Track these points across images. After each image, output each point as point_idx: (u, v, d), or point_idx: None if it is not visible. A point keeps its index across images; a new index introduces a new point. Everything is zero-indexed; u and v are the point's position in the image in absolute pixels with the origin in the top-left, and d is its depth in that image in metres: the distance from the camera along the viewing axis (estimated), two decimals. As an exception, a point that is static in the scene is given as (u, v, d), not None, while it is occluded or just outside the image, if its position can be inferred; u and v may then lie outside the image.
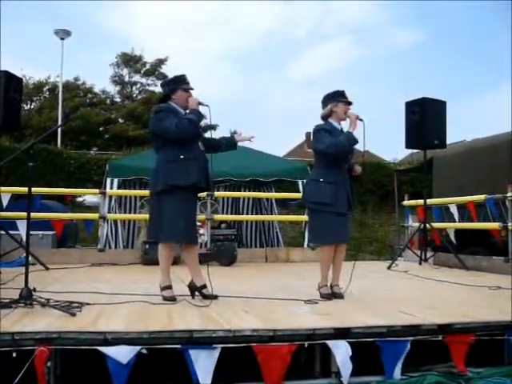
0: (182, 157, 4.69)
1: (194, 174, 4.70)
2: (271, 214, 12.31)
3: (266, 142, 57.94)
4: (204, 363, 3.44)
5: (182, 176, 4.65)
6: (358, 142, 4.96)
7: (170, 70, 30.72)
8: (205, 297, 4.76)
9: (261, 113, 65.04)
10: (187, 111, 4.83)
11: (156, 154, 4.89)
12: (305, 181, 9.75)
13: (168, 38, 59.52)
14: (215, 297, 4.77)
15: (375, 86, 70.26)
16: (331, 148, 4.87)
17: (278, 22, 63.98)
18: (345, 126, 5.08)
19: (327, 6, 64.72)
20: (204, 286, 4.83)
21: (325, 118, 5.13)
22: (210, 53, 61.19)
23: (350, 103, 5.10)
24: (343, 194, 4.98)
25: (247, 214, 12.49)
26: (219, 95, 55.85)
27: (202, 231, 9.00)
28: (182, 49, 59.40)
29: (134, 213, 11.06)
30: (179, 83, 4.91)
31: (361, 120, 4.99)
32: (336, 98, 5.08)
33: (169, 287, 4.82)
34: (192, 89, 4.95)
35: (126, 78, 33.75)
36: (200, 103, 4.81)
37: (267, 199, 12.40)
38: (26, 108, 30.24)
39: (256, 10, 64.71)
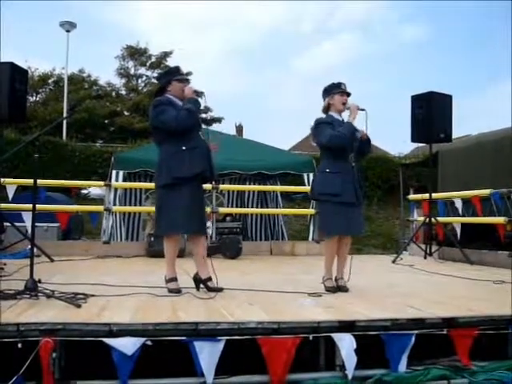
0: (183, 148, 4.68)
1: (197, 163, 4.70)
2: (276, 208, 12.31)
3: (272, 135, 57.93)
4: (208, 355, 3.44)
5: (186, 167, 4.64)
6: (357, 130, 4.96)
7: (176, 63, 30.63)
8: (210, 289, 4.77)
9: (266, 107, 64.81)
10: (184, 101, 4.80)
11: (158, 148, 4.88)
12: (310, 174, 9.91)
13: (173, 33, 59.42)
14: (220, 289, 4.77)
15: (381, 81, 70.04)
16: (332, 140, 4.88)
17: (283, 18, 63.73)
18: (346, 117, 5.07)
19: (333, 1, 64.54)
20: (209, 279, 4.83)
21: (325, 111, 5.13)
22: (216, 47, 60.98)
23: (347, 94, 5.07)
24: (350, 184, 4.95)
25: (252, 207, 12.49)
26: (224, 89, 55.75)
27: (207, 224, 9.01)
28: (187, 44, 59.16)
29: (140, 205, 11.08)
30: (173, 74, 4.92)
31: (362, 110, 4.99)
32: (331, 91, 5.07)
33: (174, 279, 4.82)
34: (187, 79, 4.95)
35: (132, 71, 33.68)
36: (195, 91, 4.81)
37: (272, 192, 12.39)
38: (31, 100, 30.23)
39: (262, 6, 64.52)
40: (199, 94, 4.83)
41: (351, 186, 4.95)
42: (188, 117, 4.64)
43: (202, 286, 4.85)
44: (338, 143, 4.89)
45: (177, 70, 4.98)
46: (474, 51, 69.76)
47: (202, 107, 4.89)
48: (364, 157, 5.33)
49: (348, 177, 4.96)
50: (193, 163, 4.67)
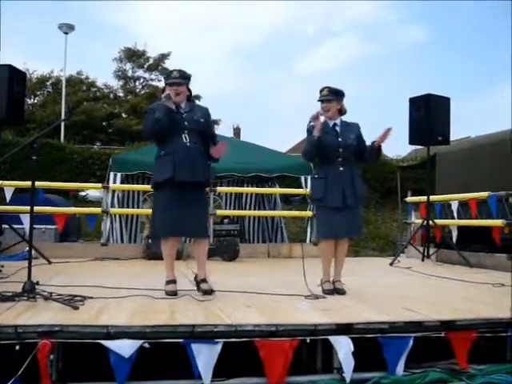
0: (162, 153, 4.78)
1: (168, 169, 4.66)
2: (274, 210, 12.30)
3: (270, 137, 57.98)
4: (206, 358, 3.44)
5: (160, 172, 4.73)
6: (315, 138, 4.86)
7: (174, 65, 30.63)
8: (200, 290, 4.79)
9: (265, 108, 64.93)
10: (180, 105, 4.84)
11: None
12: (307, 177, 9.91)
13: (173, 35, 59.44)
14: (211, 291, 4.74)
15: (380, 82, 70.06)
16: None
17: (286, 19, 63.82)
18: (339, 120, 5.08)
19: (336, 3, 64.66)
20: (203, 281, 4.85)
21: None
22: (217, 48, 61.02)
23: (322, 101, 5.00)
24: (336, 189, 4.90)
25: (250, 209, 12.46)
26: (224, 90, 55.82)
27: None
28: (187, 44, 59.09)
29: (137, 207, 11.06)
30: (166, 79, 4.95)
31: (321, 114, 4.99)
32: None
33: (172, 282, 4.83)
34: (177, 83, 4.79)
35: (130, 73, 33.67)
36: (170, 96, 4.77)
37: (270, 195, 12.38)
38: (29, 102, 30.20)
39: (264, 6, 64.46)
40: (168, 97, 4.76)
41: (338, 190, 4.90)
42: (152, 126, 4.68)
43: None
44: (304, 158, 5.25)
45: (169, 74, 4.94)
46: (475, 52, 69.95)
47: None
48: (364, 162, 5.29)
49: (335, 182, 4.92)
50: (165, 168, 4.69)
